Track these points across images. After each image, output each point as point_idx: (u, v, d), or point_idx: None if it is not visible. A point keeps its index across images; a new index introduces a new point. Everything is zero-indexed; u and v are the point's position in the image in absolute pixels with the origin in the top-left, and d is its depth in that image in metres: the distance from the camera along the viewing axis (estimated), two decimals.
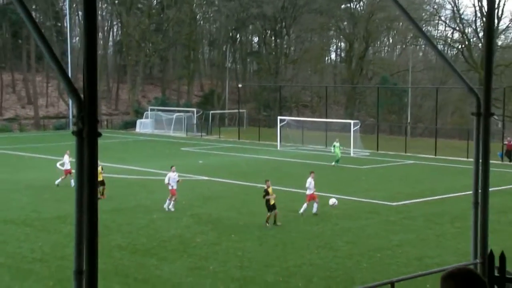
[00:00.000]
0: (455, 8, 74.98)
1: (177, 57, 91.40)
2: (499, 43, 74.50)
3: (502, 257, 8.60)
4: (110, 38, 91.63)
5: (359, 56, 79.75)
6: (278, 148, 51.24)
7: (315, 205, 25.18)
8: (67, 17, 76.48)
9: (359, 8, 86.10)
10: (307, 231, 22.70)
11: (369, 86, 75.55)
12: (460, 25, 75.17)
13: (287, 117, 59.16)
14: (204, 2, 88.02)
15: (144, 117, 70.81)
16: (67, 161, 31.21)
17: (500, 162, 43.17)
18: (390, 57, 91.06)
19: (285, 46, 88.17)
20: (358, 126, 49.89)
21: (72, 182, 28.76)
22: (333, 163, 40.53)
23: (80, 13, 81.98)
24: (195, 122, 68.04)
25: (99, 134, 5.07)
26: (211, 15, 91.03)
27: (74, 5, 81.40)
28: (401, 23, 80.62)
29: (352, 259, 19.26)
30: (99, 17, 79.89)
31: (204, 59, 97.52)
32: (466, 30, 75.76)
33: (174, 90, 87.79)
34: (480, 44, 70.51)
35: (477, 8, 71.66)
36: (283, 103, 73.35)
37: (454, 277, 3.13)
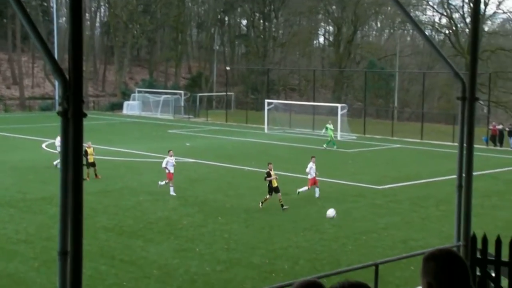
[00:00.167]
0: None
1: (164, 39, 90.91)
2: (486, 28, 74.69)
3: (484, 239, 8.71)
4: (97, 19, 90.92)
5: (347, 40, 79.67)
6: (266, 131, 51.26)
7: (317, 190, 25.33)
8: None
9: None
10: (294, 214, 22.80)
11: (356, 70, 75.59)
12: (448, 10, 75.21)
13: (275, 100, 59.18)
14: None
15: (131, 99, 70.49)
16: (57, 144, 31.06)
17: (485, 146, 43.49)
18: (378, 42, 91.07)
19: (273, 29, 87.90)
20: (346, 110, 49.98)
21: (57, 163, 28.69)
22: (324, 146, 40.58)
23: None
24: (182, 104, 67.83)
25: (85, 115, 5.07)
26: None
27: None
28: (389, 8, 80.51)
29: (338, 241, 19.39)
30: None
31: (192, 42, 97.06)
32: (454, 16, 75.87)
33: (162, 72, 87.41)
34: (467, 30, 70.63)
35: None
36: (271, 86, 73.28)
37: (435, 258, 3.17)
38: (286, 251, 18.30)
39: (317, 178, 25.53)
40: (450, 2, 74.53)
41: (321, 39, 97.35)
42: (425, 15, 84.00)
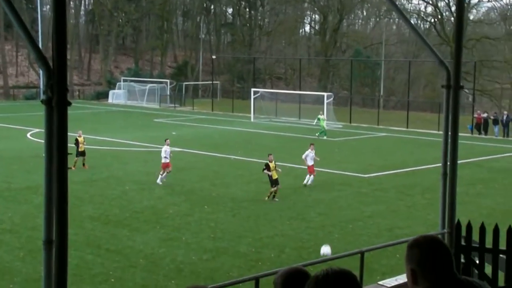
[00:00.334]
0: None
1: (150, 28, 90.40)
2: (471, 17, 74.96)
3: (469, 227, 8.78)
4: (82, 7, 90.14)
5: (333, 29, 79.63)
6: (252, 120, 51.24)
7: (310, 177, 25.34)
8: None
9: None
10: (280, 202, 22.85)
11: (342, 59, 75.66)
12: None
13: (261, 89, 59.13)
14: None
15: (116, 88, 70.13)
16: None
17: (470, 135, 43.75)
18: (364, 30, 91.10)
19: (259, 17, 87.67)
20: (332, 99, 50.07)
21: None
22: (316, 134, 40.66)
23: None
24: (168, 93, 67.62)
25: (69, 103, 5.03)
26: None
27: None
28: None
29: (324, 230, 19.46)
30: None
31: (177, 30, 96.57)
32: (439, 4, 76.06)
33: (147, 61, 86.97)
34: (452, 18, 70.80)
35: None
36: (257, 75, 73.16)
37: (419, 245, 3.19)
38: (273, 239, 18.36)
39: (308, 165, 25.41)
40: None
41: (307, 28, 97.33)
42: (411, 3, 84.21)
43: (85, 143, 29.35)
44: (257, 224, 19.95)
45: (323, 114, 43.89)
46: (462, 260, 8.75)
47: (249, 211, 21.54)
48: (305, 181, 25.31)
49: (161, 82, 68.85)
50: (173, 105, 64.34)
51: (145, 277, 15.25)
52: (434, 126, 44.72)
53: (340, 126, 47.90)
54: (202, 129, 45.39)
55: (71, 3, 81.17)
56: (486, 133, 45.04)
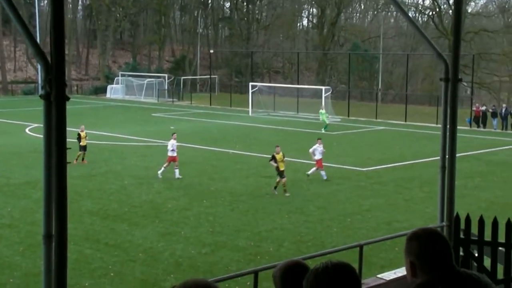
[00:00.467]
0: None
1: (148, 22, 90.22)
2: (469, 10, 74.93)
3: (468, 220, 8.79)
4: (80, 2, 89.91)
5: (331, 22, 79.55)
6: (250, 114, 51.23)
7: (313, 170, 25.39)
8: None
9: None
10: (279, 196, 22.86)
11: (340, 53, 75.60)
12: None
13: (259, 83, 59.08)
14: None
15: (114, 82, 70.05)
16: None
17: (468, 128, 43.77)
18: (362, 24, 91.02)
19: (257, 11, 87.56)
20: (330, 92, 50.05)
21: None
22: (322, 130, 40.60)
23: None
24: (166, 88, 67.55)
25: (67, 98, 5.03)
26: None
27: None
28: None
29: (323, 223, 19.48)
30: None
31: (175, 24, 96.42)
32: None
33: (145, 56, 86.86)
34: (450, 11, 70.75)
35: None
36: (254, 69, 73.12)
37: (418, 237, 3.20)
38: (271, 233, 18.38)
39: (317, 159, 25.44)
40: None
41: (305, 22, 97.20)
42: None
43: (87, 138, 29.43)
44: (255, 218, 19.97)
45: (323, 108, 43.89)
46: (461, 253, 8.77)
47: (247, 205, 21.56)
48: (309, 172, 25.38)
49: (159, 77, 68.77)
50: (171, 99, 64.30)
51: (144, 271, 15.28)
52: (432, 119, 44.72)
53: (338, 119, 47.90)
54: (200, 124, 45.38)
55: None
56: (484, 126, 45.06)
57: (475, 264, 8.76)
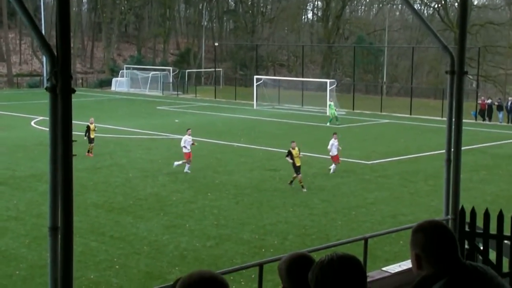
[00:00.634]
0: None
1: (152, 15, 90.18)
2: (475, 2, 74.64)
3: (473, 213, 8.78)
4: None
5: (336, 15, 79.35)
6: (255, 107, 51.21)
7: (333, 166, 25.44)
8: None
9: None
10: (283, 189, 22.87)
11: (345, 46, 75.42)
12: None
13: (264, 76, 59.05)
14: None
15: (119, 75, 70.09)
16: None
17: (474, 121, 43.67)
18: (367, 16, 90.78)
19: (261, 4, 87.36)
20: (334, 85, 49.95)
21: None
22: (336, 123, 40.53)
23: None
24: (171, 81, 67.55)
25: (73, 91, 5.03)
26: None
27: None
28: None
29: (327, 216, 19.49)
30: None
31: (180, 17, 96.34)
32: None
33: (150, 49, 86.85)
34: (456, 4, 70.48)
35: None
36: (259, 62, 73.05)
37: (424, 230, 3.20)
38: (276, 226, 18.39)
39: (332, 155, 25.45)
40: None
41: (310, 14, 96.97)
42: None
43: (96, 130, 29.75)
44: (260, 211, 19.98)
45: (331, 100, 43.93)
46: (466, 246, 8.77)
47: (252, 198, 21.58)
48: (331, 171, 25.37)
49: (163, 70, 68.77)
50: (175, 92, 64.30)
51: (149, 263, 15.32)
52: (437, 112, 44.63)
53: (343, 113, 47.80)
54: (205, 117, 45.39)
55: None
56: (490, 119, 44.95)
57: (480, 257, 8.76)
